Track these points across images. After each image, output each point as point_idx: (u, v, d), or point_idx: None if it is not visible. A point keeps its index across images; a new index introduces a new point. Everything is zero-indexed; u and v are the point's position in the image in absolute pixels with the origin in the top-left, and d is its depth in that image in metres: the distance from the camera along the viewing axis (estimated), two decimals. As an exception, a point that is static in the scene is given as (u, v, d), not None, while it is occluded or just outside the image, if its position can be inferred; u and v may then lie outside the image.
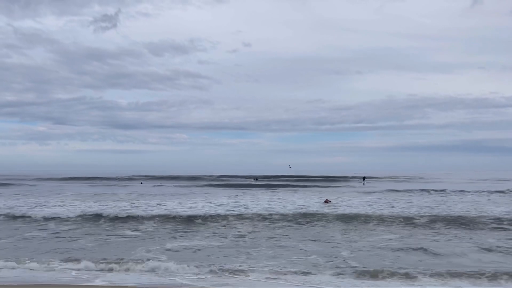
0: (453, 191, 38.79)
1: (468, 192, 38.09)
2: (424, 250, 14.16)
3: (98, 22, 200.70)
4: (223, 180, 68.47)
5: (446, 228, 18.74)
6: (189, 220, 21.04)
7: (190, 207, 25.45)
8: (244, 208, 24.80)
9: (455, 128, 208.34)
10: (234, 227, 19.30)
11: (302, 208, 24.94)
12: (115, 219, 21.37)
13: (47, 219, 21.26)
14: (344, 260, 12.86)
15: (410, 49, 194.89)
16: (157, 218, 21.29)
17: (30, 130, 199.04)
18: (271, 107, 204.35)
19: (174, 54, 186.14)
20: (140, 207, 25.29)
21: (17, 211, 23.47)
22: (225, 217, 21.59)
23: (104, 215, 22.09)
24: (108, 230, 18.88)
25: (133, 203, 27.57)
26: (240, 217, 21.62)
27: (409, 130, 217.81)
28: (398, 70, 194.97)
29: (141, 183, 64.64)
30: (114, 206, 25.49)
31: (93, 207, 25.17)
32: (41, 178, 73.65)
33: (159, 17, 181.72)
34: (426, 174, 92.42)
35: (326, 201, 32.37)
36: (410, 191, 39.57)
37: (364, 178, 68.84)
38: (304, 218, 21.52)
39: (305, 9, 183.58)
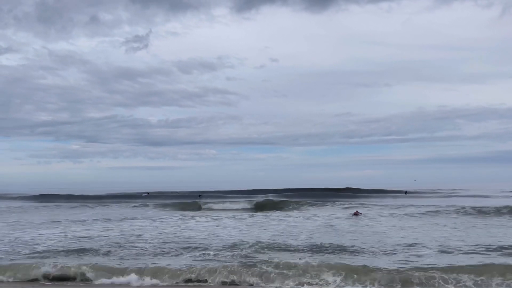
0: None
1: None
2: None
3: (129, 42, 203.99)
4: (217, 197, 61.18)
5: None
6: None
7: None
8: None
9: (488, 139, 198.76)
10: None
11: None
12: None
13: None
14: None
15: (439, 60, 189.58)
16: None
17: (64, 149, 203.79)
18: (299, 121, 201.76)
19: (203, 71, 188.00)
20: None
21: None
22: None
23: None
24: None
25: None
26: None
27: (440, 142, 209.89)
28: (427, 81, 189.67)
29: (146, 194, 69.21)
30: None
31: None
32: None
33: (187, 35, 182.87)
34: (463, 186, 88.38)
35: (356, 213, 30.65)
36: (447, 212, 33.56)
37: (406, 192, 66.44)
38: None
39: (331, 23, 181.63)
